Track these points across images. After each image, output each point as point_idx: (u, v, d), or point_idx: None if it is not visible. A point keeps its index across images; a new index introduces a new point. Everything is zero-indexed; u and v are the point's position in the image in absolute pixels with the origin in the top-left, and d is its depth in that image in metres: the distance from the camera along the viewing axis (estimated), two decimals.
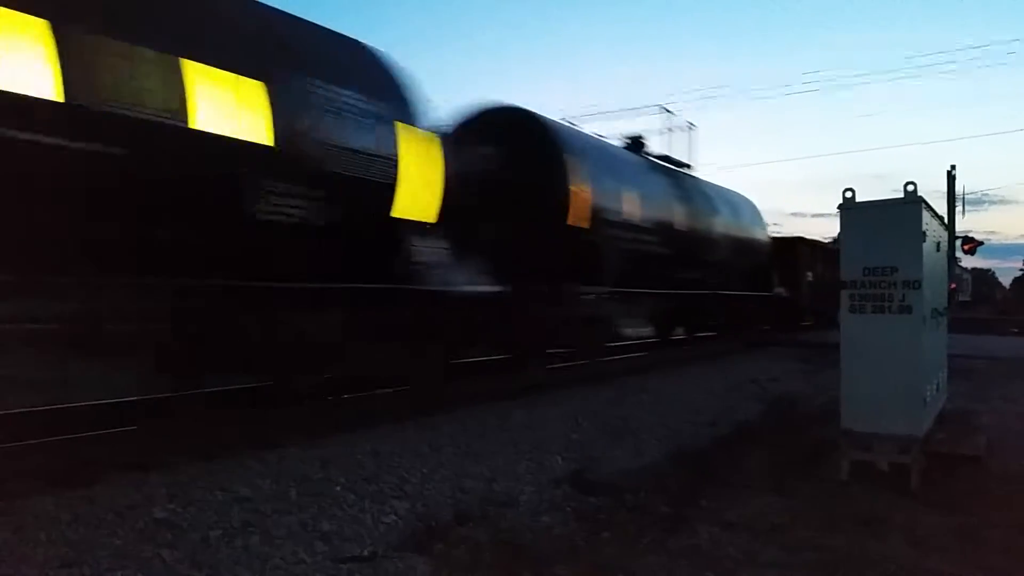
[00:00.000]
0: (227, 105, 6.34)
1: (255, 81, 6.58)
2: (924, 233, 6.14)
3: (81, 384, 6.54)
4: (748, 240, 20.12)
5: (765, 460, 6.82)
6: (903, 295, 6.03)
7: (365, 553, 4.45)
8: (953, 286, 29.60)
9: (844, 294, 6.27)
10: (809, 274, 25.71)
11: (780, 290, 23.24)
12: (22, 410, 6.57)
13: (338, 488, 5.47)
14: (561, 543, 4.74)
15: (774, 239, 23.07)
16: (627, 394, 10.35)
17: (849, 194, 6.41)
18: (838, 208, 6.45)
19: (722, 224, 18.20)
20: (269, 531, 4.58)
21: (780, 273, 23.06)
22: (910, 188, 6.17)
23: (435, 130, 8.79)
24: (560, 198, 11.65)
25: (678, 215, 15.75)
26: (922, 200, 6.19)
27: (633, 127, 29.80)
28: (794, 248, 25.30)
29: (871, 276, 6.15)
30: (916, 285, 6.01)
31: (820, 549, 4.61)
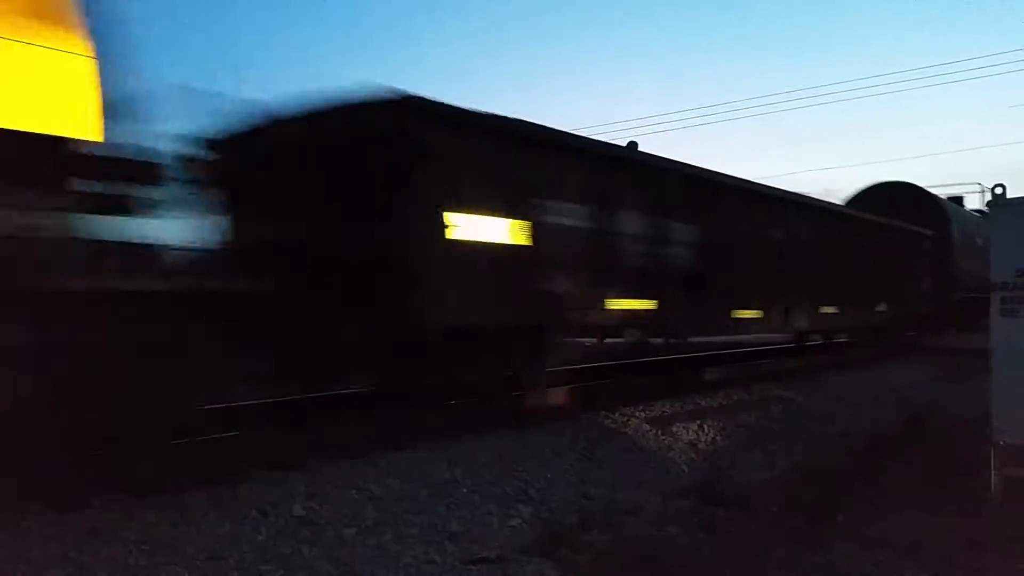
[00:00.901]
0: None
1: None
2: None
3: None
4: None
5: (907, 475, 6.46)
6: None
7: (492, 556, 4.51)
8: None
9: (995, 296, 5.89)
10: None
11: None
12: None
13: (465, 490, 5.57)
14: (688, 554, 4.65)
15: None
16: None
17: (999, 190, 6.02)
18: (986, 205, 6.07)
19: None
20: (400, 530, 4.71)
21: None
22: None
23: None
24: None
25: None
26: None
27: None
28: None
29: None
30: None
31: (970, 571, 4.33)
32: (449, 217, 7.18)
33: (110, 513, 4.65)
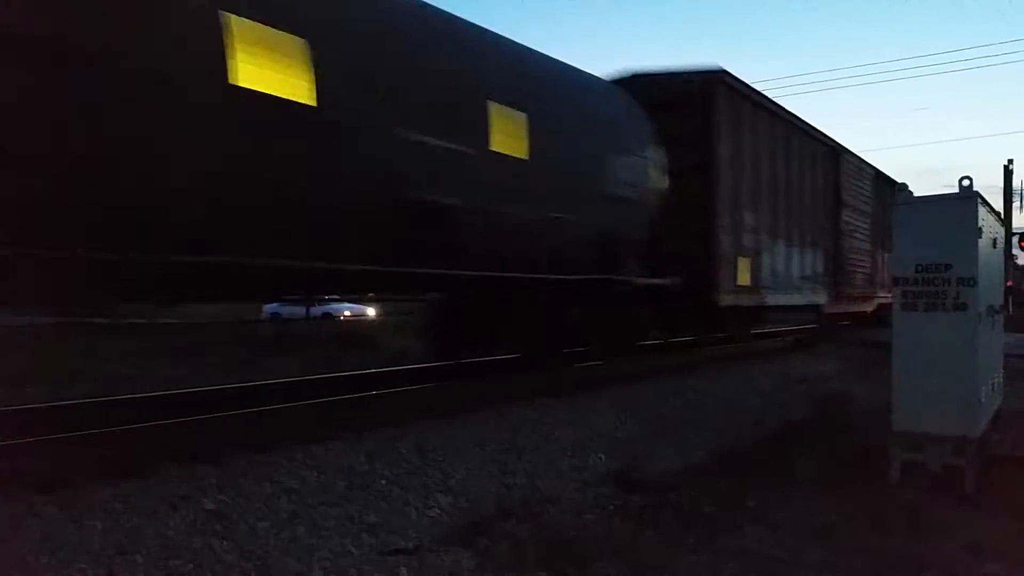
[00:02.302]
0: None
1: None
2: (980, 229, 5.99)
3: None
4: None
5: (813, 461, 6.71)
6: (957, 292, 5.89)
7: (410, 546, 4.49)
8: (1011, 283, 28.48)
9: (897, 291, 6.16)
10: None
11: None
12: (83, 401, 6.75)
13: (384, 481, 5.52)
14: (604, 540, 4.73)
15: None
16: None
17: (903, 189, 6.29)
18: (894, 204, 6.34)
19: None
20: (316, 522, 4.64)
21: None
22: (965, 183, 6.02)
23: None
24: None
25: None
26: (978, 195, 6.03)
27: None
28: None
29: (924, 273, 6.02)
30: (971, 282, 5.86)
31: (870, 552, 4.53)
32: None
33: (10, 507, 4.45)
